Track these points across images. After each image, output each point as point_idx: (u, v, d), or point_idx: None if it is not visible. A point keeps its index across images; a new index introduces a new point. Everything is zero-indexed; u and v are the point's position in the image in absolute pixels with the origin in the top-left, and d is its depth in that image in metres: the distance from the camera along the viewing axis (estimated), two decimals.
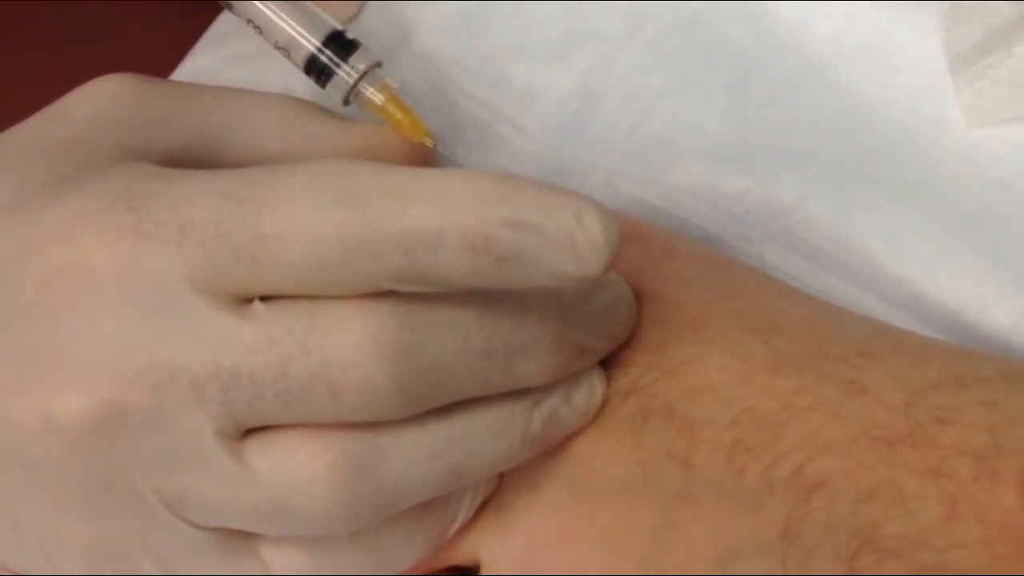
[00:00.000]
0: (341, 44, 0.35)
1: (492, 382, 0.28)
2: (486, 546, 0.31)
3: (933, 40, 0.36)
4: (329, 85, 0.35)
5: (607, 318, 0.29)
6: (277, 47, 0.35)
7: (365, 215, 0.25)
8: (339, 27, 0.35)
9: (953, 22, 0.36)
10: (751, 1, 0.37)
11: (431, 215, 0.25)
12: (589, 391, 0.30)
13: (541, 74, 0.38)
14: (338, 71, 0.35)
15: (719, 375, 0.29)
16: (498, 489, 0.31)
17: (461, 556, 0.31)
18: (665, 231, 0.33)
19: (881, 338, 0.29)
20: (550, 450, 0.30)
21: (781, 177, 0.36)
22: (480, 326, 0.27)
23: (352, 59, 0.35)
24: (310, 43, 0.35)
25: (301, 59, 0.35)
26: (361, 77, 0.35)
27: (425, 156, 0.35)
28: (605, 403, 0.30)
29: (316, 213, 0.25)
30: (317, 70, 0.35)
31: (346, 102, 0.35)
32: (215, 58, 0.38)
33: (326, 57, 0.35)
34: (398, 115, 0.35)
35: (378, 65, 0.35)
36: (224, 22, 0.39)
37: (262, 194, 0.26)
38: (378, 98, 0.35)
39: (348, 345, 0.26)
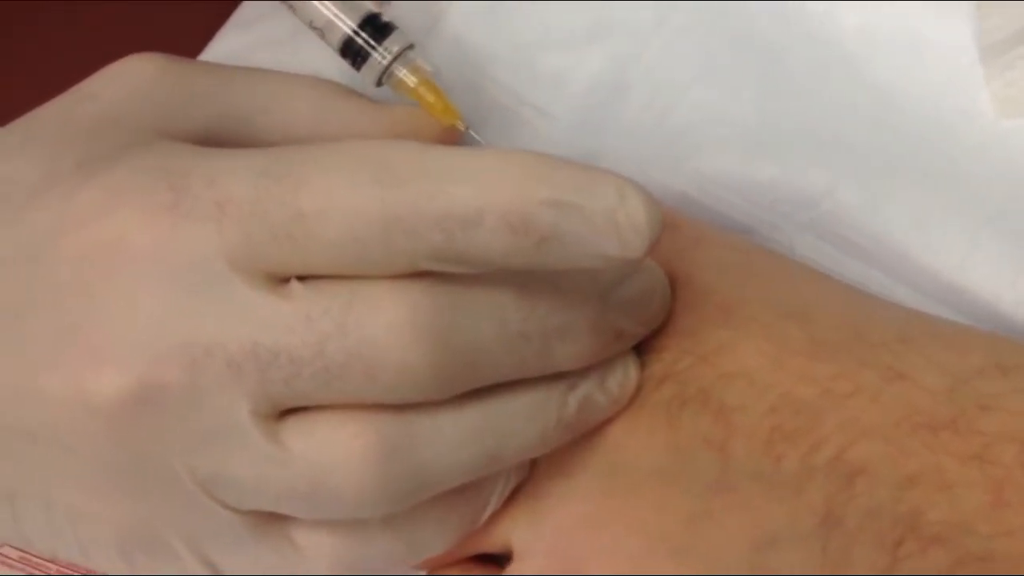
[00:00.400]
0: (377, 27, 0.35)
1: (528, 365, 0.27)
2: (518, 533, 0.30)
3: (962, 31, 0.36)
4: (363, 68, 0.35)
5: (643, 303, 0.29)
6: (312, 27, 0.35)
7: (403, 193, 0.25)
8: (375, 10, 0.35)
9: (986, 12, 0.36)
10: None
11: (470, 194, 0.25)
12: (624, 376, 0.29)
13: (568, 61, 0.37)
14: (373, 53, 0.35)
15: (754, 360, 0.28)
16: (530, 476, 0.30)
17: (493, 543, 0.31)
18: (696, 220, 0.33)
19: (919, 324, 0.29)
20: (584, 436, 0.30)
21: (810, 167, 0.35)
22: (517, 308, 0.27)
23: (387, 41, 0.35)
24: (346, 25, 0.34)
25: (337, 41, 0.35)
26: (395, 58, 0.35)
27: (456, 140, 0.35)
28: (639, 389, 0.30)
29: (354, 191, 0.25)
30: (353, 52, 0.35)
31: (379, 83, 0.35)
32: (242, 42, 0.38)
33: (362, 39, 0.34)
34: (430, 98, 0.35)
35: (411, 47, 0.35)
36: (251, 6, 0.38)
37: (299, 172, 0.25)
38: (411, 80, 0.35)
39: (385, 325, 0.25)
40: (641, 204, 0.25)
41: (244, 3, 0.39)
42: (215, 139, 0.32)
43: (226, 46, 0.38)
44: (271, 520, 0.28)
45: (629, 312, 0.29)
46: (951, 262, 0.34)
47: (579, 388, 0.29)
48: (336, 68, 0.35)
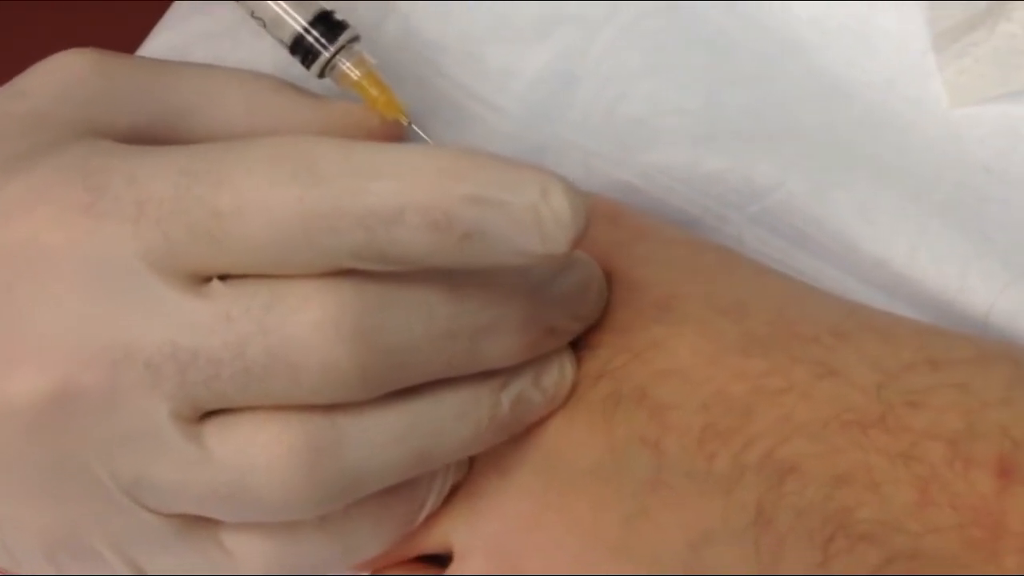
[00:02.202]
0: (329, 25, 0.34)
1: (458, 363, 0.27)
2: (457, 532, 0.30)
3: (914, 18, 0.36)
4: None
5: (577, 298, 0.29)
6: (254, 16, 0.34)
7: (325, 190, 0.24)
8: (327, 7, 0.34)
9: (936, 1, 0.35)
10: None
11: (392, 191, 0.24)
12: (559, 374, 0.29)
13: (518, 54, 0.37)
14: (323, 51, 0.34)
15: (689, 357, 0.28)
16: (469, 474, 0.30)
17: (432, 543, 0.31)
18: (640, 213, 0.33)
19: (854, 318, 0.28)
20: (521, 435, 0.29)
21: (760, 158, 0.35)
22: (445, 305, 0.26)
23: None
24: (297, 22, 0.34)
25: (287, 37, 0.34)
26: (338, 51, 0.34)
27: (399, 134, 0.35)
28: (575, 386, 0.29)
29: (274, 188, 0.25)
30: (303, 50, 0.34)
31: (321, 75, 0.35)
32: (180, 36, 0.38)
33: (312, 37, 0.34)
34: (373, 92, 0.34)
35: (355, 40, 0.35)
36: None
37: (219, 169, 0.25)
38: (354, 73, 0.34)
39: (308, 324, 0.25)
40: (565, 199, 0.24)
41: None
42: (148, 136, 0.31)
43: (164, 41, 0.38)
44: (199, 523, 0.27)
45: (562, 308, 0.28)
46: (899, 253, 0.34)
47: (512, 386, 0.28)
48: (275, 61, 0.35)
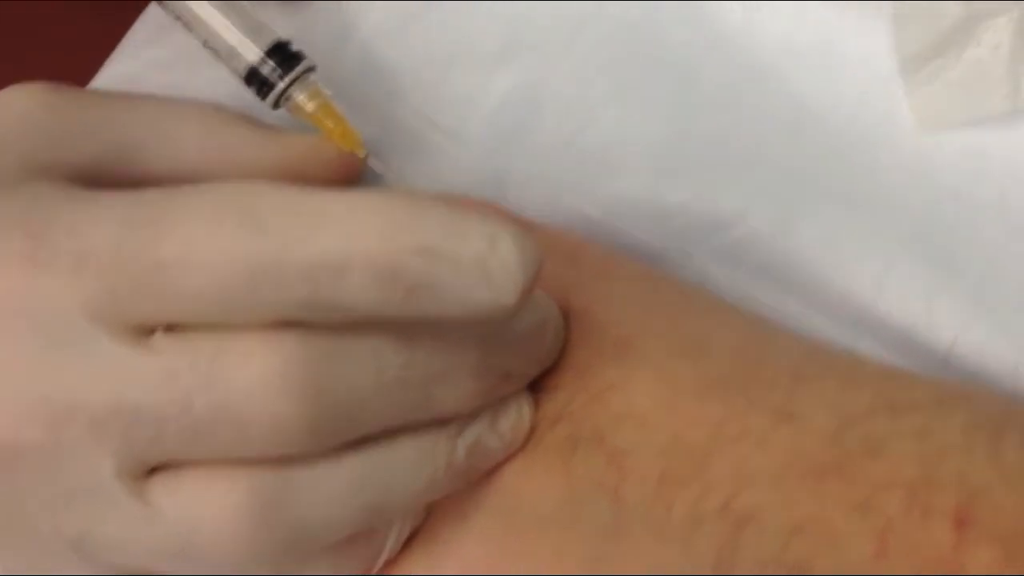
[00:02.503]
0: (286, 56, 0.33)
1: (410, 412, 0.26)
2: None
3: (882, 41, 0.35)
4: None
5: (534, 340, 0.28)
6: (206, 46, 0.34)
7: (268, 241, 0.24)
8: (283, 37, 0.34)
9: (903, 23, 0.35)
10: (698, 1, 0.36)
11: (336, 242, 0.24)
12: (516, 417, 0.28)
13: (479, 80, 0.36)
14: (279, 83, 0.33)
15: (646, 401, 0.28)
16: (427, 520, 0.30)
17: None
18: (601, 248, 0.32)
19: (814, 360, 0.28)
20: (479, 480, 0.29)
21: (724, 188, 0.34)
22: (396, 354, 0.26)
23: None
24: (252, 52, 0.33)
25: (241, 68, 0.34)
26: (292, 82, 0.34)
27: (356, 167, 0.34)
28: (533, 429, 0.29)
29: (217, 239, 0.24)
30: (258, 82, 0.34)
31: (276, 106, 0.34)
32: (137, 63, 0.37)
33: (267, 69, 0.33)
34: (329, 123, 0.34)
35: (311, 70, 0.34)
36: (147, 24, 0.37)
37: (160, 219, 0.24)
38: (309, 105, 0.34)
39: (254, 378, 0.24)
40: (513, 249, 0.24)
41: (138, 24, 0.37)
42: (99, 173, 0.31)
43: (120, 69, 0.37)
44: None
45: (518, 352, 0.28)
46: (865, 286, 0.33)
47: (469, 432, 0.28)
48: (231, 90, 0.34)
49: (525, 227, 0.32)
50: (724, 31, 0.36)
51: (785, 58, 0.36)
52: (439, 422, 0.27)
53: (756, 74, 0.35)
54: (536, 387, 0.29)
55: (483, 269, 0.23)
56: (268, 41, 0.34)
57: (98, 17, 0.38)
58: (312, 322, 0.25)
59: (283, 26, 0.37)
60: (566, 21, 0.36)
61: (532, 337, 0.28)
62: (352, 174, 0.34)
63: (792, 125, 0.35)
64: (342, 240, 0.24)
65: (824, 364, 0.28)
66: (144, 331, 0.25)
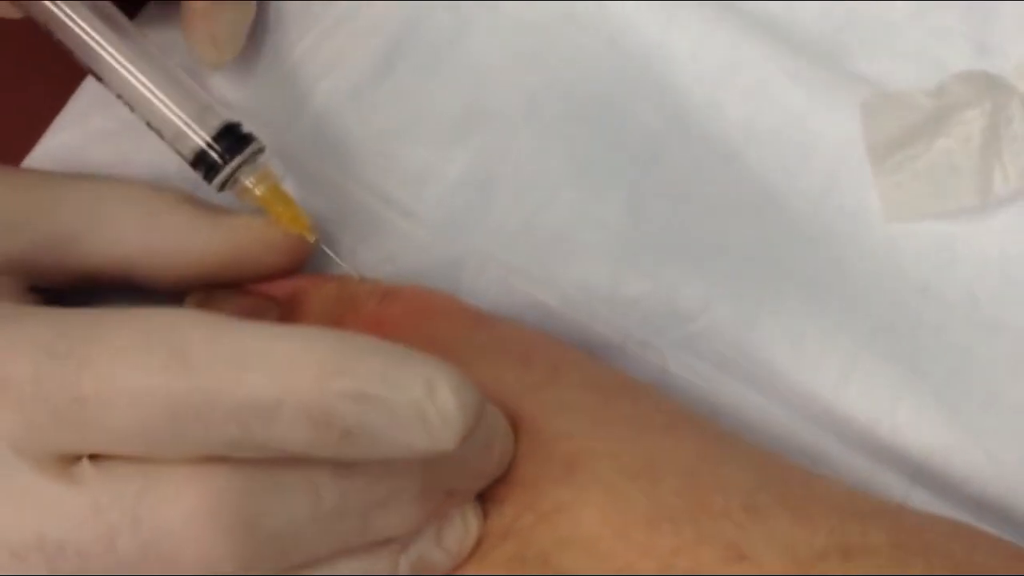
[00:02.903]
0: (238, 137, 0.32)
1: (348, 540, 0.25)
2: None
3: (851, 127, 0.34)
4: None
5: (480, 457, 0.27)
6: (150, 127, 0.32)
7: (194, 381, 0.23)
8: (232, 119, 0.32)
9: (871, 111, 0.34)
10: (662, 78, 0.35)
11: (266, 384, 0.22)
12: (463, 530, 0.27)
13: (435, 155, 0.35)
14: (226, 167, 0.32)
15: (595, 527, 0.26)
16: None
17: None
18: (553, 346, 0.31)
19: (768, 488, 0.27)
20: None
21: (686, 277, 0.33)
22: (333, 483, 0.24)
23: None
24: (199, 136, 0.32)
25: (188, 152, 0.32)
26: (240, 164, 0.32)
27: (305, 252, 0.33)
28: (481, 542, 0.28)
29: (140, 376, 0.23)
30: (205, 165, 0.32)
31: (221, 189, 0.33)
32: (78, 135, 0.35)
33: (216, 153, 0.32)
34: (278, 208, 0.32)
35: (260, 151, 0.32)
36: (91, 90, 0.36)
37: (83, 351, 0.23)
38: (258, 189, 0.32)
39: (182, 515, 0.23)
40: (451, 394, 0.23)
41: (82, 89, 0.36)
42: (36, 264, 0.30)
43: (60, 141, 0.35)
44: None
45: (464, 470, 0.27)
46: (828, 384, 0.32)
47: (412, 549, 0.27)
48: (181, 162, 0.32)
49: (483, 323, 0.31)
50: (687, 109, 0.35)
51: (750, 140, 0.35)
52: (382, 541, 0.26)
53: (719, 157, 0.34)
54: (484, 497, 0.28)
55: (421, 416, 0.23)
56: (216, 124, 0.32)
57: (39, 81, 0.36)
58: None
59: (233, 95, 0.36)
60: (524, 92, 0.35)
61: (479, 453, 0.27)
62: (301, 260, 0.33)
63: (756, 212, 0.34)
64: (271, 382, 0.22)
65: (778, 494, 0.27)
66: (70, 459, 0.24)
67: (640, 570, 0.26)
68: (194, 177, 0.33)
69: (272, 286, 0.33)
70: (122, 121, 0.34)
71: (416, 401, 0.22)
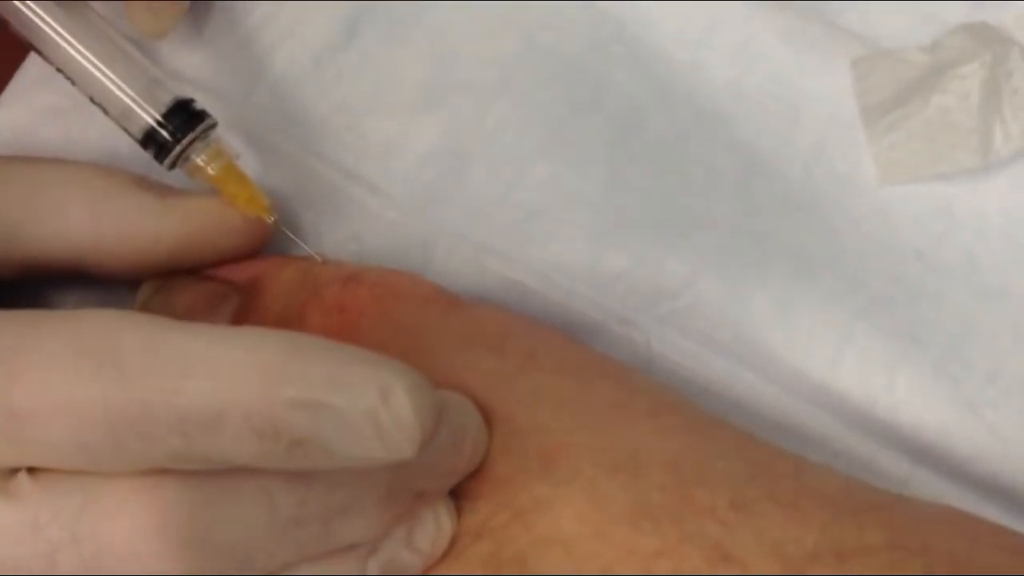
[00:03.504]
0: (191, 115, 0.30)
1: (308, 548, 0.24)
2: None
3: (842, 86, 0.32)
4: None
5: (449, 454, 0.25)
6: (93, 102, 0.30)
7: (132, 391, 0.21)
8: (184, 95, 0.30)
9: (863, 72, 0.32)
10: (641, 40, 0.33)
11: (208, 393, 0.21)
12: (435, 530, 0.26)
13: (402, 128, 0.33)
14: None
15: (573, 526, 0.25)
16: None
17: None
18: (530, 329, 0.29)
19: (757, 482, 0.25)
20: None
21: (669, 252, 0.31)
22: (289, 491, 0.23)
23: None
24: (148, 114, 0.30)
25: (137, 130, 0.30)
26: (191, 142, 0.30)
27: (264, 234, 0.31)
28: (455, 542, 0.26)
29: (74, 387, 0.21)
30: (156, 144, 0.30)
31: (173, 167, 0.31)
32: (25, 113, 0.33)
33: (167, 132, 0.30)
34: (233, 188, 0.30)
35: (212, 127, 0.30)
36: (35, 65, 0.33)
37: (14, 362, 0.21)
38: (210, 167, 0.30)
39: (126, 531, 0.22)
40: (407, 399, 0.21)
41: (27, 64, 0.34)
42: None
43: (8, 117, 0.33)
44: None
45: (430, 471, 0.25)
46: (822, 361, 0.31)
47: (382, 551, 0.25)
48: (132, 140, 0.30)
49: (453, 306, 0.29)
50: (669, 72, 0.33)
51: (735, 104, 0.33)
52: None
53: (703, 122, 0.32)
54: (457, 494, 0.26)
55: (375, 424, 0.21)
56: (166, 100, 0.30)
57: None
58: None
59: (184, 65, 0.34)
60: (496, 60, 0.33)
61: (449, 449, 0.25)
62: (260, 241, 0.31)
63: (743, 180, 0.32)
64: (213, 390, 0.21)
65: (767, 488, 0.25)
66: (5, 474, 0.22)
67: (619, 571, 0.24)
68: (148, 156, 0.31)
69: (231, 270, 0.31)
70: (71, 97, 0.32)
71: (370, 409, 0.21)
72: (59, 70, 0.30)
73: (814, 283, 0.31)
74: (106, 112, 0.30)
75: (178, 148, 0.30)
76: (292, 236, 0.31)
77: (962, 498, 0.29)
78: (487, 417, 0.26)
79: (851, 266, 0.31)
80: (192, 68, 0.34)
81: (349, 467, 0.22)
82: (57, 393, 0.21)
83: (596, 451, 0.26)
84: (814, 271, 0.31)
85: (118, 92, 0.30)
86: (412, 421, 0.21)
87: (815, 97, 0.32)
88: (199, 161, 0.30)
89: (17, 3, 0.30)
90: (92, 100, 0.30)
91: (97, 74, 0.30)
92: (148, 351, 0.21)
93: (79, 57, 0.30)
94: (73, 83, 0.30)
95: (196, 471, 0.22)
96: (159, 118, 0.30)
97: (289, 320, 0.29)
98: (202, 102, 0.31)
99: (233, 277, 0.31)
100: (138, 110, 0.30)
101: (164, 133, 0.30)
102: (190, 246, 0.30)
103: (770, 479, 0.25)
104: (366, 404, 0.21)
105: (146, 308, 0.30)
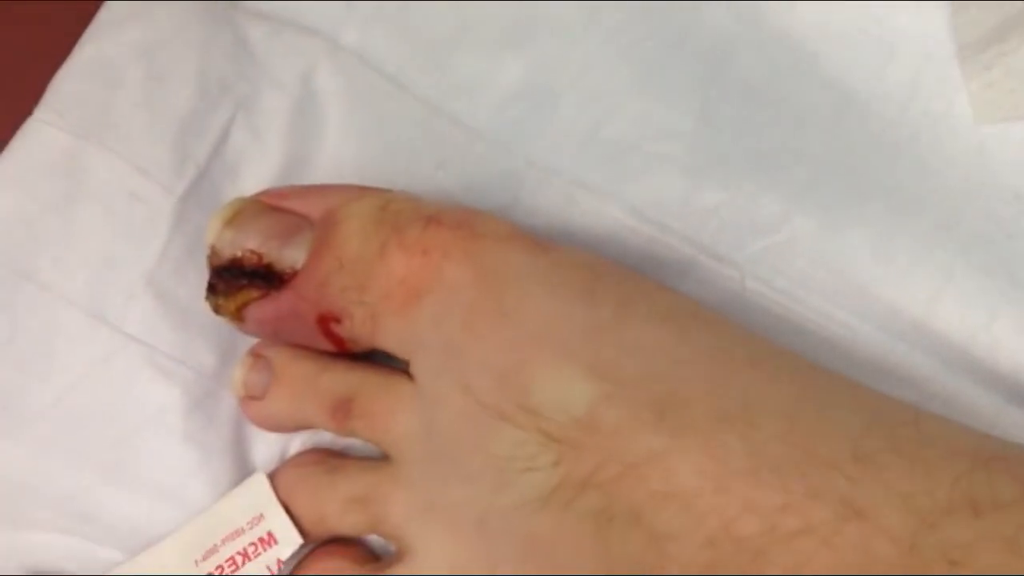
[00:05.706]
0: None
1: None
2: None
3: (937, 24, 0.32)
4: None
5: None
6: None
7: None
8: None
9: (961, 6, 0.31)
10: None
11: None
12: None
13: (488, 64, 0.32)
14: None
15: (692, 480, 0.24)
16: None
17: None
18: (618, 274, 0.28)
19: (875, 432, 0.24)
20: (510, 530, 0.26)
21: (763, 188, 0.31)
22: None
23: None
24: None
25: None
26: None
27: None
28: (554, 491, 0.26)
29: None
30: None
31: None
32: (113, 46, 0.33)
33: None
34: None
35: None
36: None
37: None
38: None
39: None
40: None
41: None
42: None
43: (91, 52, 0.33)
44: None
45: None
46: (919, 299, 0.30)
47: None
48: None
49: (539, 248, 0.28)
50: (758, 10, 0.32)
51: (827, 41, 0.32)
52: None
53: (796, 59, 0.32)
54: (553, 436, 0.26)
55: None
56: None
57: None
58: None
59: (276, 3, 0.33)
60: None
61: None
62: None
63: (837, 115, 0.32)
64: None
65: (886, 438, 0.24)
66: None
67: (741, 531, 0.23)
68: None
69: (304, 196, 0.30)
70: (162, 30, 0.31)
71: None
72: None
73: (911, 221, 0.31)
74: None
75: None
76: None
77: None
78: (590, 367, 0.26)
79: (947, 205, 0.31)
80: (282, 7, 0.33)
81: None
82: None
83: (707, 401, 0.25)
84: (910, 209, 0.31)
85: None
86: None
87: (909, 35, 0.32)
88: None
89: None
90: None
91: None
92: None
93: None
94: None
95: None
96: None
97: (369, 258, 0.28)
98: (292, 40, 0.30)
99: (308, 210, 0.30)
100: None
101: None
102: None
103: (888, 428, 0.24)
104: None
105: (219, 239, 0.30)
